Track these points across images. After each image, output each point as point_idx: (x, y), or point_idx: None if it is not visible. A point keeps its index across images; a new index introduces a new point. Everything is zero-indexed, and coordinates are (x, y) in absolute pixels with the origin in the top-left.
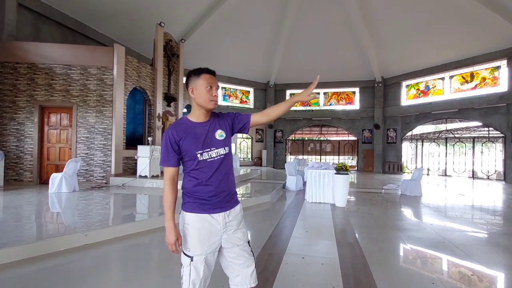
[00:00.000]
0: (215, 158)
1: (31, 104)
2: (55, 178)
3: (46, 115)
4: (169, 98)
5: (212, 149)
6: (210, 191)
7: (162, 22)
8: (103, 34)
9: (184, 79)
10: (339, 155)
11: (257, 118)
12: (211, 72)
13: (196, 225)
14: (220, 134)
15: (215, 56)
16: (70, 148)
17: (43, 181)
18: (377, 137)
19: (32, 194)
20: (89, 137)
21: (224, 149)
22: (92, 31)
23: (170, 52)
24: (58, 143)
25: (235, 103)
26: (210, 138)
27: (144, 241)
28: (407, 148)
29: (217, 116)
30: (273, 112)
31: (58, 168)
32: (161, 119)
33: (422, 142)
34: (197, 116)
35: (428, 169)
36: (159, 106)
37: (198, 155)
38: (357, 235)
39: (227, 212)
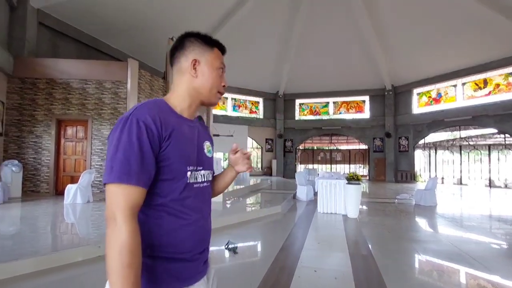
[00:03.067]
0: (202, 185)
1: (49, 117)
2: (70, 189)
3: (62, 128)
4: None
5: (199, 168)
6: (198, 240)
7: (174, 37)
8: (117, 49)
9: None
10: (349, 164)
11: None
12: (224, 50)
13: None
14: (208, 149)
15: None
16: (85, 160)
17: (59, 192)
18: (389, 145)
19: (48, 205)
20: (103, 149)
21: (211, 173)
22: (107, 46)
23: None
24: (74, 155)
25: (244, 113)
26: (199, 149)
27: None
28: (420, 157)
29: (197, 120)
30: (216, 189)
31: (73, 179)
32: None
33: (436, 150)
34: (184, 108)
35: (443, 178)
36: None
37: (189, 174)
38: (370, 247)
39: (208, 275)
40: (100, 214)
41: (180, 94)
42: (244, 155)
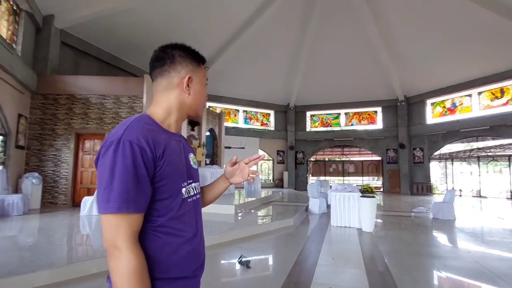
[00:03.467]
0: (195, 198)
1: (68, 131)
2: (86, 201)
3: (81, 142)
4: (193, 123)
5: (190, 182)
6: (197, 255)
7: None
8: (135, 65)
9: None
10: (362, 176)
11: None
12: (205, 63)
13: None
14: (193, 161)
15: (236, 81)
16: None
17: (76, 204)
18: (403, 156)
19: (65, 216)
20: None
21: (199, 184)
22: (125, 63)
23: None
24: (91, 167)
25: (256, 125)
26: (187, 163)
27: None
28: (436, 168)
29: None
30: (206, 199)
31: (90, 192)
32: None
33: (452, 161)
34: (171, 123)
35: (461, 190)
36: (184, 130)
37: (184, 190)
38: (387, 262)
39: None
40: None
41: (168, 109)
42: (246, 165)
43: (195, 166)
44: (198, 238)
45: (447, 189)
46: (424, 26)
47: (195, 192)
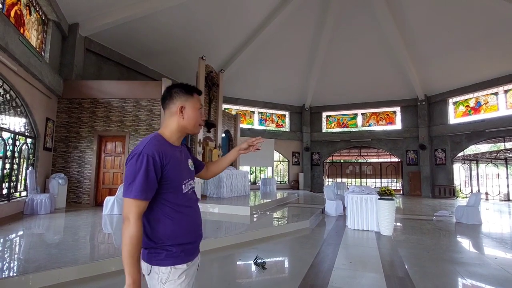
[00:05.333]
0: (190, 191)
1: (92, 134)
2: (108, 201)
3: (103, 143)
4: (209, 125)
5: (188, 180)
6: (197, 227)
7: (204, 56)
8: (153, 69)
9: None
10: (381, 178)
11: (203, 173)
12: (200, 93)
13: (187, 280)
14: (191, 164)
15: (251, 83)
16: (122, 173)
17: (98, 203)
18: (424, 158)
19: (88, 215)
20: None
21: (194, 181)
22: (144, 67)
23: (211, 82)
24: (112, 168)
25: (271, 126)
26: (186, 167)
27: None
28: (459, 170)
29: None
30: (215, 168)
31: (111, 192)
32: (201, 145)
33: (477, 163)
34: (174, 140)
35: (487, 193)
36: (200, 132)
37: (183, 186)
38: (407, 268)
39: (198, 255)
40: None
41: (172, 130)
42: (254, 143)
43: (192, 168)
44: (196, 216)
45: (471, 192)
46: (445, 23)
47: (192, 187)
